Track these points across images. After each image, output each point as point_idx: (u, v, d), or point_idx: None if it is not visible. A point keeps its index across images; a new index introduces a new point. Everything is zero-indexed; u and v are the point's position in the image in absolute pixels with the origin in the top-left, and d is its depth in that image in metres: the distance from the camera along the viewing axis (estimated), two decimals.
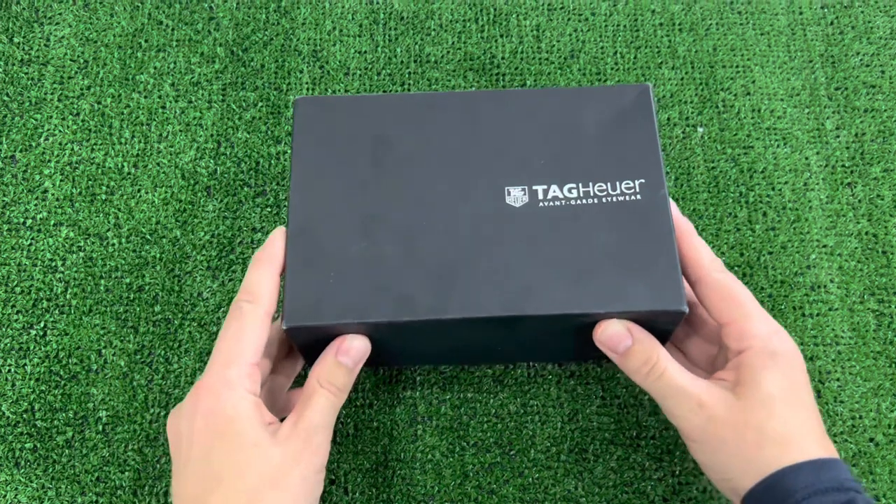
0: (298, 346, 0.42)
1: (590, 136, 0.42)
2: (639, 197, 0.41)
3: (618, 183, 0.41)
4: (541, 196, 0.41)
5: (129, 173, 0.53)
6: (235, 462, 0.33)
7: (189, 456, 0.34)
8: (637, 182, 0.41)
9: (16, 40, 0.57)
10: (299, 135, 0.43)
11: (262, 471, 0.33)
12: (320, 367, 0.38)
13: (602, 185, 0.41)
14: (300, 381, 0.46)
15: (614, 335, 0.39)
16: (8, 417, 0.47)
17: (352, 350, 0.38)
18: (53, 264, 0.50)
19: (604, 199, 0.41)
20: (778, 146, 0.54)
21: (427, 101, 0.44)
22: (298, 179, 0.42)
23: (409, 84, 0.56)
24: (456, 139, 0.43)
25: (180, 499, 0.34)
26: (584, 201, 0.41)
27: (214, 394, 0.35)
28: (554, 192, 0.41)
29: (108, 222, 0.52)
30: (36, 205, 0.52)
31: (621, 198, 0.41)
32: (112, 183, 0.53)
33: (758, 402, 0.36)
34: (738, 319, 0.38)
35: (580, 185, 0.41)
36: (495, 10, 0.58)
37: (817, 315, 0.50)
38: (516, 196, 0.41)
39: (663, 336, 0.44)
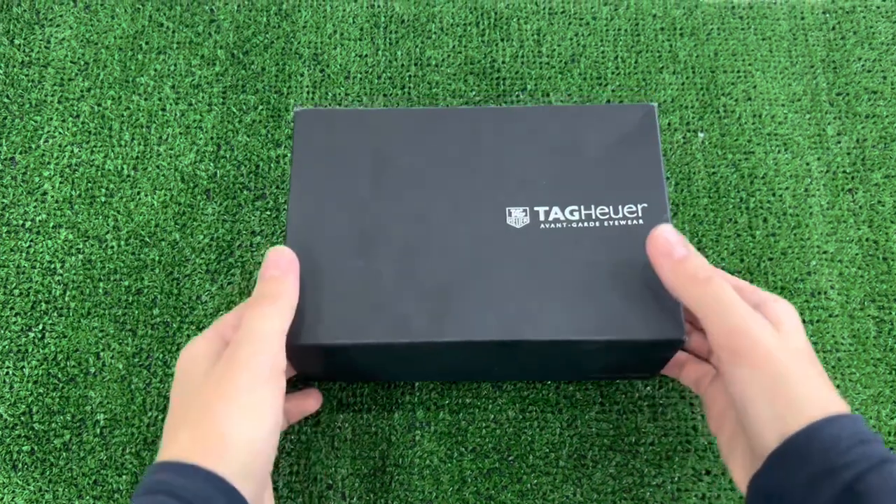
0: (293, 362, 0.42)
1: (593, 157, 0.42)
2: (641, 221, 0.40)
3: (620, 206, 0.41)
4: (542, 217, 0.40)
5: (128, 176, 0.53)
6: (192, 391, 0.36)
7: (169, 403, 0.38)
8: (639, 206, 0.41)
9: (16, 42, 0.57)
10: (299, 148, 0.42)
11: (210, 390, 0.35)
12: (254, 290, 0.38)
13: (604, 208, 0.41)
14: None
15: (669, 240, 0.37)
16: (6, 420, 0.47)
17: (272, 262, 0.39)
18: (52, 266, 0.50)
19: (605, 223, 0.40)
20: (779, 152, 0.54)
21: (429, 117, 0.43)
22: (297, 194, 0.41)
23: (410, 87, 0.56)
24: (457, 157, 0.42)
25: (162, 438, 0.36)
26: (585, 224, 0.40)
27: (184, 353, 0.38)
28: (555, 213, 0.41)
29: (108, 225, 0.52)
30: (35, 207, 0.52)
31: (623, 222, 0.40)
32: (111, 185, 0.53)
33: (801, 346, 0.36)
34: (743, 287, 0.39)
35: (582, 207, 0.41)
36: (496, 13, 0.58)
37: (817, 321, 0.49)
38: (517, 217, 0.40)
39: (659, 363, 0.43)
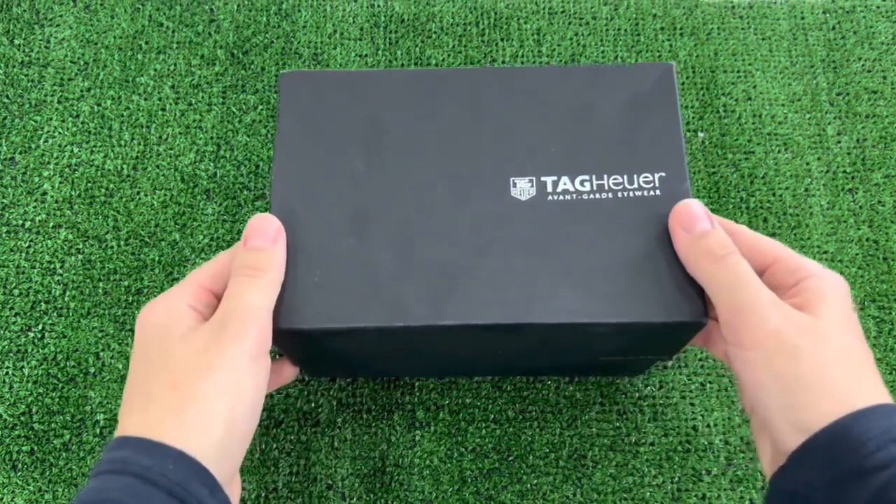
0: (282, 350, 0.39)
1: (605, 121, 0.38)
2: (658, 192, 0.37)
3: (635, 176, 0.37)
4: (550, 189, 0.37)
5: (128, 176, 0.53)
6: (165, 354, 0.33)
7: (131, 362, 0.34)
8: (657, 175, 0.37)
9: (16, 42, 0.57)
10: (285, 114, 0.39)
11: (189, 357, 0.32)
12: (236, 259, 0.35)
13: (618, 177, 0.37)
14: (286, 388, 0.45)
15: (694, 213, 0.35)
16: (5, 420, 0.47)
17: (258, 230, 0.35)
18: (52, 266, 0.50)
19: (619, 194, 0.37)
20: (779, 151, 0.54)
21: (426, 79, 0.40)
22: (282, 166, 0.38)
23: None
24: (457, 122, 0.38)
25: (123, 401, 0.33)
26: (597, 196, 0.37)
27: (153, 306, 0.35)
28: (564, 184, 0.37)
29: (107, 225, 0.52)
30: (35, 207, 0.52)
31: (638, 192, 0.37)
32: (111, 185, 0.53)
33: (832, 326, 0.32)
34: (787, 257, 0.35)
35: (593, 177, 0.37)
36: (496, 13, 0.58)
37: None
38: (522, 188, 0.37)
39: (677, 346, 0.41)
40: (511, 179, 0.37)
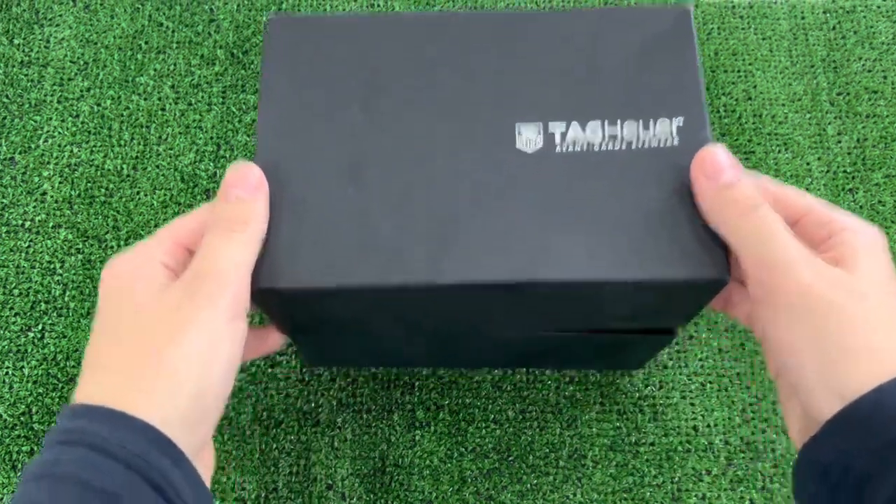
0: (268, 313, 0.37)
1: (617, 66, 0.36)
2: (676, 142, 0.34)
3: (651, 121, 0.35)
4: (558, 139, 0.34)
5: (128, 175, 0.53)
6: (133, 314, 0.30)
7: (94, 322, 0.31)
8: (674, 123, 0.34)
9: (16, 42, 0.57)
10: (271, 60, 0.36)
11: (160, 316, 0.29)
12: (213, 211, 0.32)
13: (632, 124, 0.35)
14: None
15: (718, 161, 0.32)
16: (5, 420, 0.47)
17: (238, 180, 0.32)
18: (52, 266, 0.50)
19: (633, 145, 0.34)
20: (779, 151, 0.54)
21: (426, 23, 0.37)
22: (268, 115, 0.35)
23: None
24: (460, 69, 0.36)
25: (83, 364, 0.31)
26: (609, 146, 0.34)
27: (121, 261, 0.32)
28: (574, 132, 0.35)
29: (107, 224, 0.52)
30: (35, 207, 0.52)
31: (654, 143, 0.34)
32: (111, 185, 0.53)
33: (868, 282, 0.29)
34: (818, 209, 0.32)
35: (606, 124, 0.35)
36: None
37: None
38: (529, 138, 0.35)
39: (695, 309, 0.38)
40: (516, 126, 0.35)
